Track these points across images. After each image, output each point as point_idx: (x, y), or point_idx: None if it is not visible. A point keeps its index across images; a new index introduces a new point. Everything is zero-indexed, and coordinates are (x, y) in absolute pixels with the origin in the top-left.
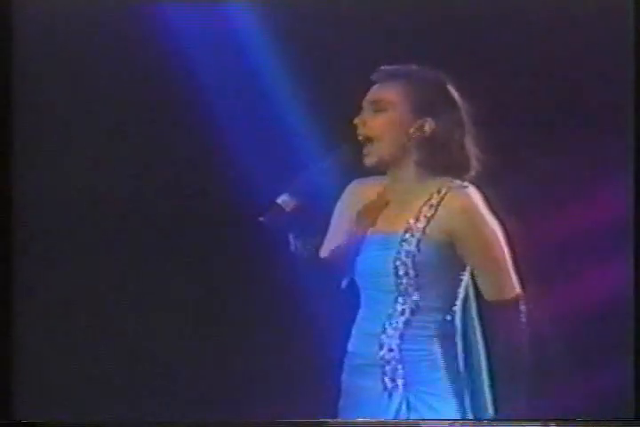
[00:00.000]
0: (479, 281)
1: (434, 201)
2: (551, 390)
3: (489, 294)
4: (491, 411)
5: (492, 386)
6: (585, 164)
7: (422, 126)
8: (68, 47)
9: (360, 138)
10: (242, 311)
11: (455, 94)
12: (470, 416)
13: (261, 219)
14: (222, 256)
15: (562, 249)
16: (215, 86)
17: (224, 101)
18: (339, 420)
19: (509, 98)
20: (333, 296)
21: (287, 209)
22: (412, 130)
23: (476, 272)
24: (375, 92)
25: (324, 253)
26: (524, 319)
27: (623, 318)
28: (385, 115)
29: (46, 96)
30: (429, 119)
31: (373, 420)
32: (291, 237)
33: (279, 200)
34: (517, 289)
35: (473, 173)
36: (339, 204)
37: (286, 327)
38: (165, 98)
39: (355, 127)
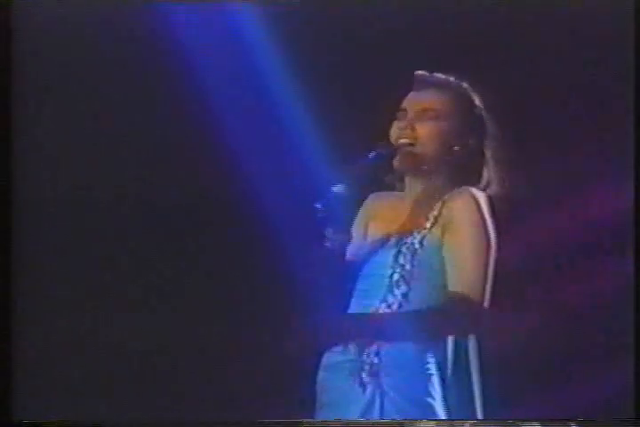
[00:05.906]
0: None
1: (440, 202)
2: (551, 391)
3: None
4: (478, 412)
5: (482, 388)
6: (593, 174)
7: (467, 143)
8: (67, 46)
9: (402, 141)
10: (234, 312)
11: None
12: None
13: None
14: (217, 257)
15: (562, 249)
16: (225, 88)
17: (231, 102)
18: (331, 420)
19: (527, 113)
20: (333, 298)
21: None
22: (456, 147)
23: (448, 267)
24: (425, 100)
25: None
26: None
27: (623, 318)
28: (436, 124)
29: (46, 95)
30: (473, 136)
31: (355, 420)
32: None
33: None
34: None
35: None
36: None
37: (275, 328)
38: (166, 97)
39: (401, 130)
